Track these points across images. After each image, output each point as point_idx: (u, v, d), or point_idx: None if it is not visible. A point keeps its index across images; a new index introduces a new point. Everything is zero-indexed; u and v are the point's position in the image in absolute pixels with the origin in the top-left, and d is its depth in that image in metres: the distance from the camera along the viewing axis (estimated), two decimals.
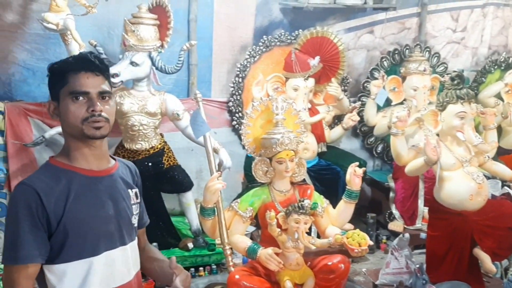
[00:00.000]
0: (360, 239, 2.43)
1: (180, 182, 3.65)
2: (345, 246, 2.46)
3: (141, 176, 3.69)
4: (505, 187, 3.27)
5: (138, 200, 1.69)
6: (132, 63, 3.43)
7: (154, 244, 3.50)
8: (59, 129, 3.64)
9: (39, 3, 3.49)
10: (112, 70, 3.35)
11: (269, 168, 2.62)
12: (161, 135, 3.75)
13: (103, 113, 1.50)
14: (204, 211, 2.53)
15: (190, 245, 3.61)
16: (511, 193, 3.11)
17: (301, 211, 2.45)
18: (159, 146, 3.64)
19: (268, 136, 2.62)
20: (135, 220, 1.66)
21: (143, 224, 1.78)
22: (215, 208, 2.57)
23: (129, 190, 1.65)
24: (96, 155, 1.56)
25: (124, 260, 1.59)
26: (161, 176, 3.62)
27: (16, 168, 3.72)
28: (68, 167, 1.51)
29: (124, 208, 1.60)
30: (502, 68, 4.82)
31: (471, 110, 2.90)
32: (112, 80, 3.33)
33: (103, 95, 1.52)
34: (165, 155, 3.66)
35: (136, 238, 1.68)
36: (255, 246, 2.51)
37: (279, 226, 2.50)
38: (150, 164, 3.59)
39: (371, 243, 2.50)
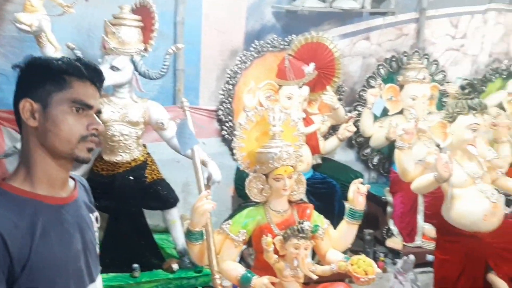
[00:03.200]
0: (366, 267, 2.18)
1: (164, 197, 3.37)
2: (349, 274, 2.20)
3: (122, 191, 3.38)
4: None
5: (98, 225, 1.44)
6: (112, 67, 3.14)
7: (135, 265, 3.23)
8: None
9: (14, 3, 3.23)
10: None
11: (265, 185, 2.35)
12: (144, 146, 3.47)
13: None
14: (191, 235, 2.24)
15: (175, 266, 3.31)
16: None
17: (301, 235, 2.18)
18: (142, 158, 3.36)
19: (264, 150, 2.34)
20: (98, 249, 1.42)
21: None
22: (203, 232, 2.28)
23: (91, 215, 1.40)
24: (63, 178, 1.29)
25: None
26: (143, 191, 3.32)
27: None
28: (32, 195, 1.22)
29: (90, 238, 1.35)
30: (504, 76, 4.62)
31: (484, 122, 2.66)
32: None
33: (98, 114, 1.31)
34: (148, 167, 3.37)
35: None
36: (248, 274, 2.23)
37: (276, 252, 2.22)
38: (131, 178, 3.30)
39: (379, 270, 2.24)
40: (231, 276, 2.28)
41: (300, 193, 2.45)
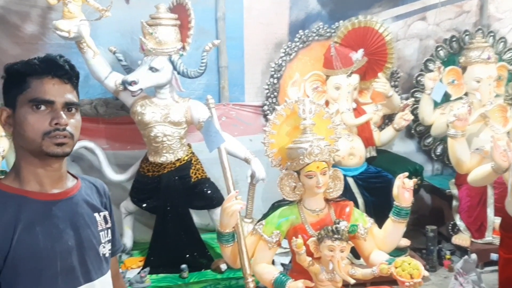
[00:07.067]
0: (411, 269, 1.97)
1: (209, 197, 3.33)
2: (393, 277, 2.00)
3: (168, 191, 3.36)
4: None
5: (109, 225, 1.43)
6: (151, 68, 3.14)
7: (183, 266, 3.22)
8: (83, 143, 3.43)
9: (58, 11, 3.28)
10: (130, 77, 3.09)
11: (297, 183, 2.20)
12: (189, 145, 3.44)
13: (68, 128, 1.27)
14: (221, 237, 2.15)
15: (224, 266, 3.26)
16: None
17: (335, 236, 2.01)
18: (186, 158, 3.33)
19: (295, 145, 2.19)
20: (104, 249, 1.40)
21: (116, 252, 1.51)
22: (235, 233, 2.19)
23: (96, 214, 1.39)
24: (53, 176, 1.31)
25: None
26: (189, 191, 3.31)
27: None
28: (18, 191, 1.27)
29: (89, 236, 1.35)
30: None
31: None
32: (131, 88, 3.09)
33: (69, 106, 1.30)
34: (193, 167, 3.34)
35: (109, 271, 1.42)
36: (283, 277, 2.10)
37: (310, 254, 2.07)
38: (176, 178, 3.29)
39: (426, 273, 2.02)
40: (265, 279, 2.16)
41: (337, 190, 2.27)
